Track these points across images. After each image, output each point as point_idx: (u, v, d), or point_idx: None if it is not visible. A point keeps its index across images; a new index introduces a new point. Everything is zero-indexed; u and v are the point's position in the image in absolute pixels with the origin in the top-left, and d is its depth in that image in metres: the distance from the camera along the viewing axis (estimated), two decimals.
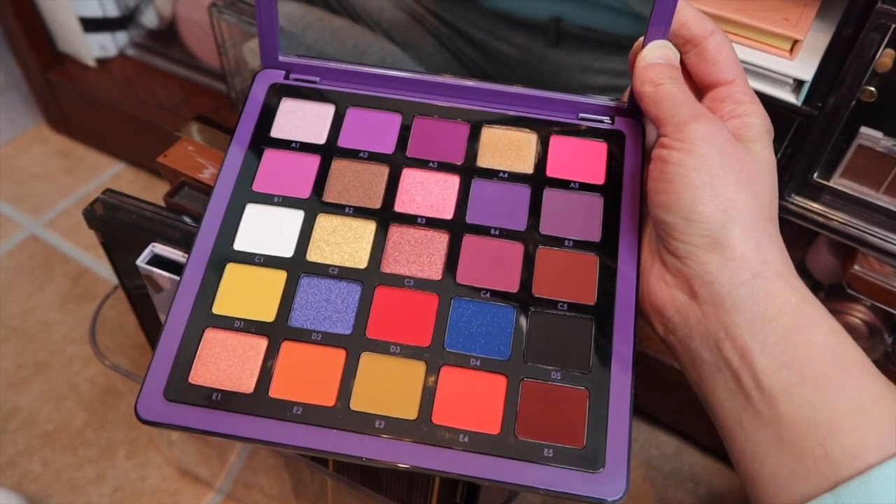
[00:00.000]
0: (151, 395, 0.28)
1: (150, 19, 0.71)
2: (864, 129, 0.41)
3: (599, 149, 0.34)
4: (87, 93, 0.72)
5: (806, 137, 0.41)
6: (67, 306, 0.66)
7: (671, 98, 0.29)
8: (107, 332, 0.49)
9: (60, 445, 0.57)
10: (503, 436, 0.27)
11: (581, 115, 0.34)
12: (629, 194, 0.32)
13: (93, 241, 0.43)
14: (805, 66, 0.39)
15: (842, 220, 0.44)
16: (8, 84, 0.78)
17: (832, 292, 0.48)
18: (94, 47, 0.73)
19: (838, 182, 0.43)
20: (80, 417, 0.59)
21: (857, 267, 0.45)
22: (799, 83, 0.40)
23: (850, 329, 0.47)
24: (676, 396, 0.54)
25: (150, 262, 0.39)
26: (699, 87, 0.32)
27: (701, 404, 0.54)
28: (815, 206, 0.44)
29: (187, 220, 0.39)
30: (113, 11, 0.71)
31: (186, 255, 0.36)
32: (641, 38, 0.32)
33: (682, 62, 0.32)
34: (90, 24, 0.71)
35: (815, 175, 0.43)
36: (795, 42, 0.39)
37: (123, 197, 0.40)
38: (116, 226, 0.39)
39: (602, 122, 0.34)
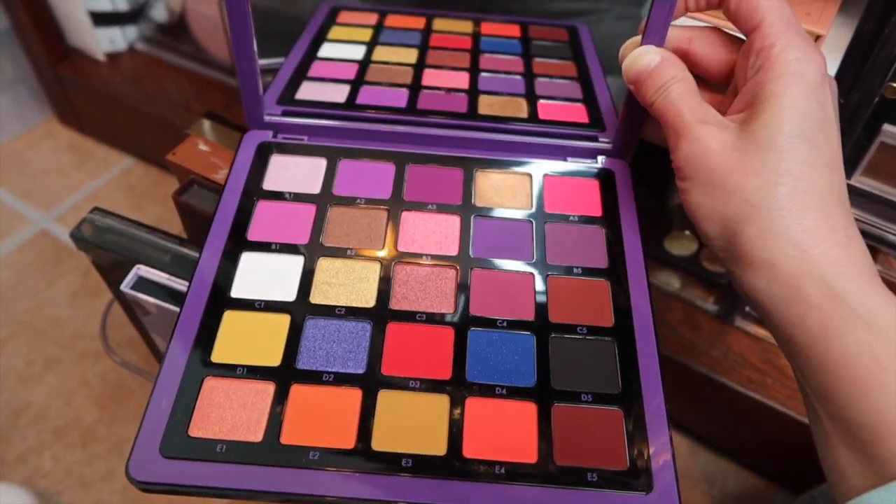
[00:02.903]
0: (145, 453, 0.25)
1: (159, 13, 0.71)
2: (886, 127, 0.40)
3: (592, 185, 0.35)
4: (97, 87, 0.72)
5: None
6: (78, 302, 0.66)
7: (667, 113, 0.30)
8: (117, 328, 0.49)
9: (71, 441, 0.57)
10: (542, 463, 0.26)
11: (569, 158, 0.35)
12: (629, 223, 0.33)
13: None
14: (827, 62, 0.38)
15: (863, 219, 0.43)
16: (18, 79, 0.78)
17: None
18: (104, 42, 0.72)
19: (859, 180, 0.42)
20: (90, 413, 0.59)
21: (878, 267, 0.44)
22: None
23: None
24: (690, 397, 0.54)
25: (135, 286, 0.37)
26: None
27: (713, 405, 0.54)
28: None
29: (178, 241, 0.38)
30: (123, 5, 0.71)
31: (172, 278, 0.36)
32: (633, 39, 0.31)
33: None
34: (100, 19, 0.71)
35: None
36: (818, 37, 0.38)
37: (113, 217, 0.39)
38: (106, 247, 0.38)
39: (590, 163, 0.35)
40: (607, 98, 0.39)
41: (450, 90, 0.39)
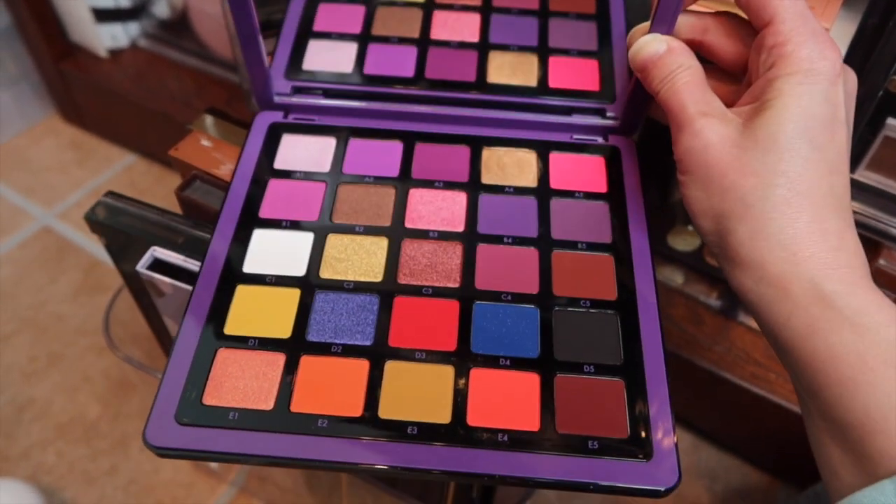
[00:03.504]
0: (162, 421, 0.27)
1: (161, 10, 0.71)
2: (890, 121, 0.40)
3: (598, 162, 0.35)
4: (99, 84, 0.72)
5: None
6: (80, 298, 0.66)
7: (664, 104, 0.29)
8: (120, 324, 0.49)
9: (74, 437, 0.57)
10: (544, 431, 0.27)
11: (575, 136, 0.36)
12: (633, 200, 0.33)
13: None
14: None
15: (866, 214, 0.43)
16: (20, 75, 0.78)
17: None
18: (106, 38, 0.72)
19: (863, 174, 0.42)
20: (93, 409, 0.59)
21: (882, 262, 0.44)
22: None
23: None
24: (693, 393, 0.54)
25: (150, 267, 0.37)
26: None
27: (716, 400, 0.54)
28: None
29: (192, 224, 0.39)
30: (125, 2, 0.71)
31: (187, 259, 0.37)
32: (640, 27, 0.31)
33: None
34: (102, 15, 0.71)
35: None
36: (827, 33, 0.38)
37: (126, 200, 0.40)
38: (119, 229, 0.39)
39: (596, 140, 0.35)
40: (622, 47, 0.38)
41: (460, 45, 0.38)
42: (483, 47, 0.38)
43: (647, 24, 0.31)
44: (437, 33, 0.39)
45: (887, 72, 0.37)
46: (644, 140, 0.48)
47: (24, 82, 0.79)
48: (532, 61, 0.38)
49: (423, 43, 0.38)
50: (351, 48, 0.38)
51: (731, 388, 0.51)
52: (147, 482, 0.55)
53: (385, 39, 0.38)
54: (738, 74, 0.31)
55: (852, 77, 0.28)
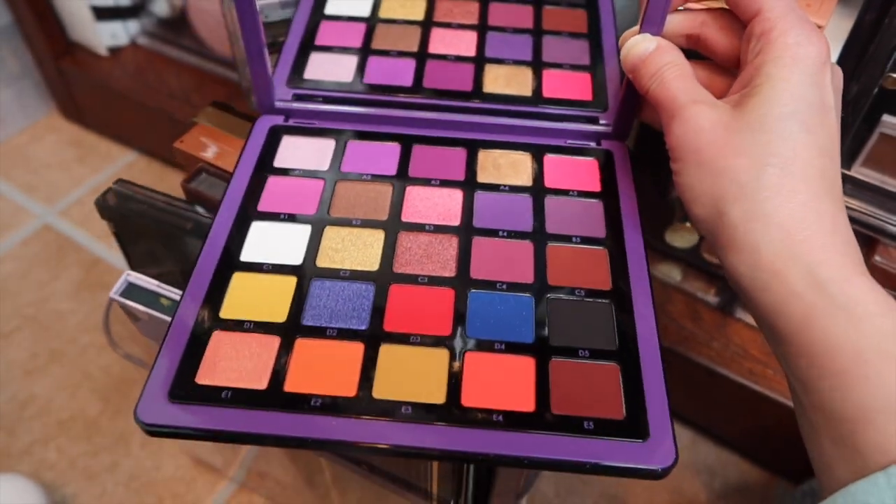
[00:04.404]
0: (154, 399, 0.26)
1: (161, 8, 0.71)
2: (886, 117, 0.40)
3: (591, 164, 0.36)
4: (99, 82, 0.72)
5: None
6: (81, 295, 0.66)
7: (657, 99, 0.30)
8: (120, 322, 0.49)
9: (75, 434, 0.57)
10: (539, 412, 0.27)
11: (569, 141, 0.36)
12: (627, 198, 0.34)
13: (106, 230, 0.43)
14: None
15: (862, 210, 0.43)
16: (20, 73, 0.78)
17: None
18: (106, 36, 0.73)
19: (859, 171, 0.42)
20: (94, 406, 0.59)
21: (878, 258, 0.44)
22: None
23: None
24: (691, 389, 0.54)
25: (124, 294, 0.37)
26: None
27: (714, 396, 0.54)
28: None
29: (200, 210, 0.39)
30: (125, 0, 0.71)
31: (161, 286, 0.37)
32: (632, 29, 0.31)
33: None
34: (102, 13, 0.71)
35: None
36: (818, 28, 0.38)
37: (136, 187, 0.40)
38: (129, 216, 0.39)
39: (589, 145, 0.36)
40: (614, 62, 0.39)
41: (457, 58, 0.39)
42: (479, 60, 0.39)
43: (637, 27, 0.31)
44: (435, 48, 0.40)
45: (883, 68, 0.38)
46: (640, 139, 0.48)
47: (24, 80, 0.79)
48: (527, 73, 0.38)
49: (422, 56, 0.39)
50: (351, 60, 0.39)
51: (729, 385, 0.51)
52: (148, 478, 0.55)
53: (385, 53, 0.39)
54: (733, 70, 0.31)
55: (838, 73, 0.29)
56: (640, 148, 0.50)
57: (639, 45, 0.30)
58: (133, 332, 0.53)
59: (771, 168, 0.26)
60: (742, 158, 0.26)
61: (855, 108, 0.39)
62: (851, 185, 0.43)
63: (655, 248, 0.56)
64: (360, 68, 0.38)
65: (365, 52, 0.39)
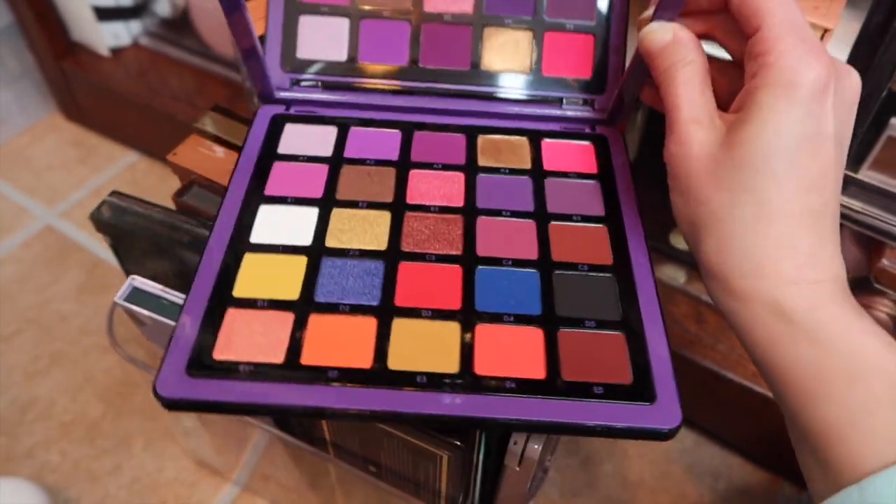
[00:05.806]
0: (172, 373, 0.27)
1: (163, 8, 0.71)
2: (894, 121, 0.40)
3: (587, 148, 0.37)
4: (101, 82, 0.72)
5: None
6: (83, 297, 0.66)
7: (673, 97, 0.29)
8: (123, 323, 0.49)
9: (78, 436, 0.57)
10: (550, 379, 0.28)
11: (564, 126, 0.38)
12: (623, 181, 0.35)
13: None
14: (835, 56, 0.38)
15: (870, 214, 0.43)
16: (21, 73, 0.78)
17: (858, 286, 0.47)
18: (108, 36, 0.72)
19: (866, 174, 0.42)
20: (96, 408, 0.59)
21: (885, 261, 0.44)
22: None
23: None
24: (695, 391, 0.54)
25: (128, 298, 0.37)
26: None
27: (719, 399, 0.54)
28: (842, 198, 0.43)
29: (196, 223, 0.39)
30: (126, 1, 0.71)
31: (166, 289, 0.37)
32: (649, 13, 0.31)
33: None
34: (104, 13, 0.71)
35: None
36: (826, 31, 0.38)
37: (131, 199, 0.40)
38: (125, 229, 0.39)
39: (584, 130, 0.38)
40: (620, 25, 0.38)
41: (454, 18, 0.38)
42: (477, 21, 0.38)
43: (651, 10, 0.30)
44: (431, 5, 0.38)
45: (891, 71, 0.37)
46: (644, 140, 0.48)
47: (25, 80, 0.79)
48: (527, 39, 0.38)
49: (417, 17, 0.38)
50: (342, 25, 0.38)
51: (734, 387, 0.51)
52: (150, 481, 0.55)
53: (377, 15, 0.38)
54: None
55: (853, 83, 0.27)
56: (643, 152, 0.50)
57: (655, 34, 0.30)
58: (136, 334, 0.53)
59: (748, 206, 0.26)
60: (723, 193, 0.27)
61: (863, 112, 0.39)
62: (858, 189, 0.43)
63: (659, 250, 0.56)
64: (353, 40, 0.37)
65: (356, 13, 0.38)
